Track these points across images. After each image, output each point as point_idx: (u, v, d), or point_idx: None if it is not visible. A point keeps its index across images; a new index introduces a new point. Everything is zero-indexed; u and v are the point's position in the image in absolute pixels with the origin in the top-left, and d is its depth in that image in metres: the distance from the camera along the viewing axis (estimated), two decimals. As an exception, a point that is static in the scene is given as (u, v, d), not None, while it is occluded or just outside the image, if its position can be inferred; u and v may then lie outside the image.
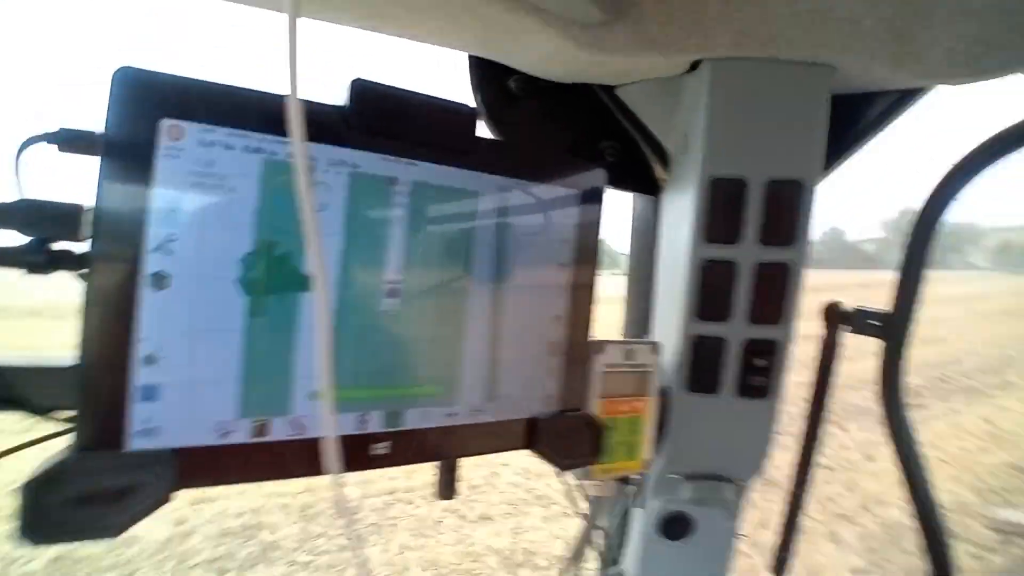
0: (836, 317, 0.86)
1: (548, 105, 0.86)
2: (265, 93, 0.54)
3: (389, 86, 0.59)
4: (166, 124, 0.50)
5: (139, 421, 0.50)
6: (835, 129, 0.84)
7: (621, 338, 0.85)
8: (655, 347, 0.80)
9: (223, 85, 0.52)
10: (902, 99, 0.86)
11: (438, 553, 4.53)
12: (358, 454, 0.60)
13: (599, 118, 0.89)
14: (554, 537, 4.54)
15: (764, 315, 0.80)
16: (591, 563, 0.98)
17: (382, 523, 4.91)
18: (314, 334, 0.57)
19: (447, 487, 0.72)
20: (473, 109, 0.62)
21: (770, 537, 0.93)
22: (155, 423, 0.51)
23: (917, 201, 0.81)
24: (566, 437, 0.70)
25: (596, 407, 0.75)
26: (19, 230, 0.50)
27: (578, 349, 0.71)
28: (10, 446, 0.57)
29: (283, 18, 0.42)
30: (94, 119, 0.49)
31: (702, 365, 0.82)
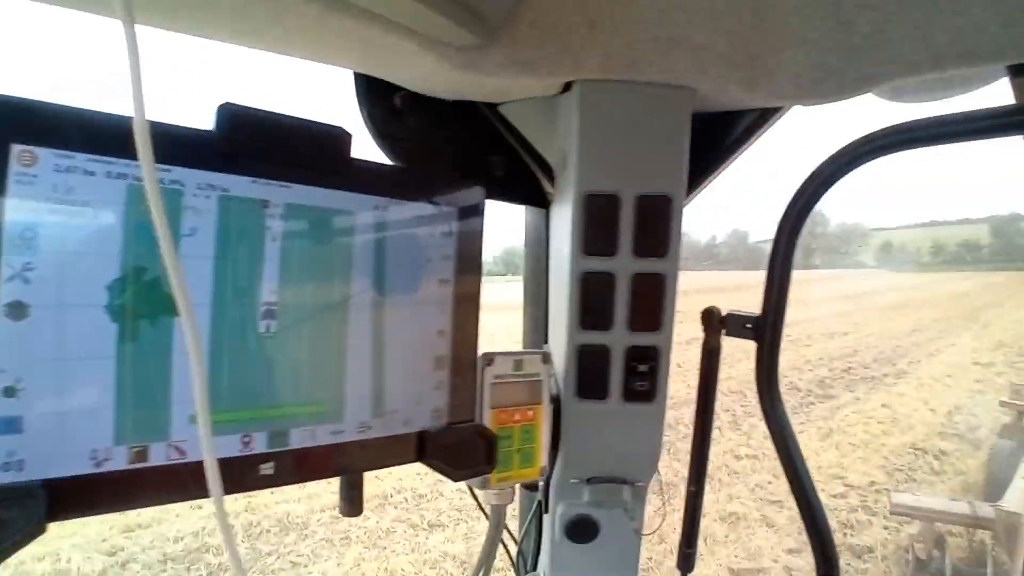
0: (714, 321, 0.92)
1: (435, 121, 0.88)
2: (126, 117, 0.53)
3: (259, 110, 0.60)
4: (16, 150, 0.48)
5: (0, 455, 0.48)
6: (704, 146, 0.91)
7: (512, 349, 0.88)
8: (545, 356, 0.84)
9: (80, 109, 0.50)
10: (763, 117, 0.93)
11: (395, 563, 4.50)
12: (243, 475, 0.59)
13: (486, 134, 0.92)
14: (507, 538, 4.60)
15: (643, 323, 0.85)
16: (504, 570, 1.00)
17: (333, 537, 4.85)
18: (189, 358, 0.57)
19: (351, 503, 0.72)
20: (345, 131, 0.64)
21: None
22: (19, 456, 0.49)
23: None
24: (457, 449, 0.72)
25: (488, 418, 0.78)
26: None
27: (465, 362, 0.73)
28: None
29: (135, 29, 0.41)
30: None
31: (589, 373, 0.86)
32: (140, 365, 0.54)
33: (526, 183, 0.96)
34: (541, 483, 0.93)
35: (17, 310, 0.49)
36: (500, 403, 0.79)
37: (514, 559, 1.06)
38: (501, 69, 0.75)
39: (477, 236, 0.74)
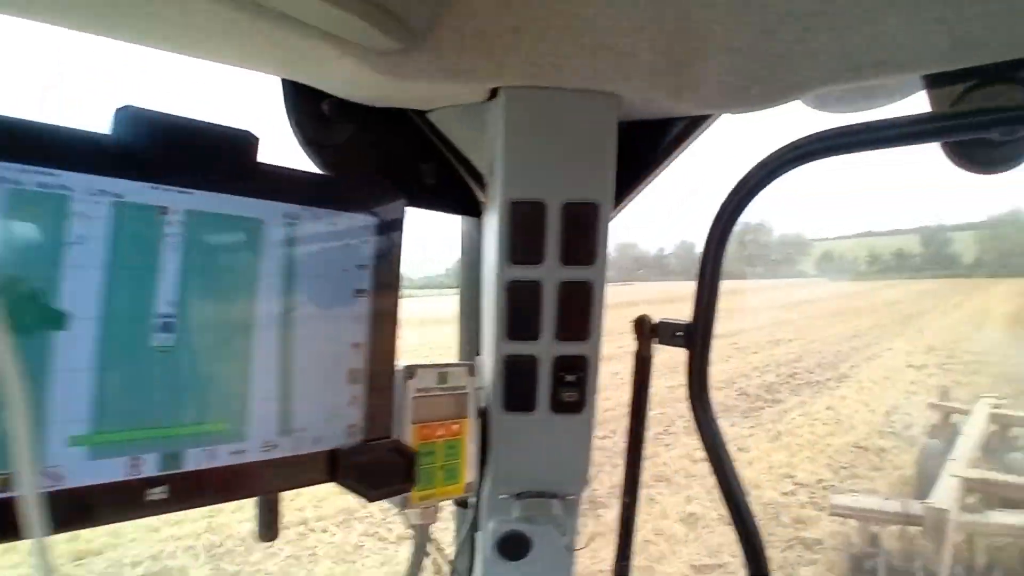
0: (645, 330, 0.92)
1: (363, 128, 0.86)
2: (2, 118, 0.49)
3: (159, 112, 0.56)
4: None
5: None
6: (633, 154, 0.90)
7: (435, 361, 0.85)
8: (471, 368, 0.81)
9: None
10: (692, 125, 0.94)
11: (367, 577, 4.38)
12: (131, 501, 0.55)
13: (417, 141, 0.90)
14: (478, 547, 4.64)
15: (571, 332, 0.83)
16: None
17: (301, 554, 4.75)
18: (72, 375, 0.52)
19: (267, 527, 0.68)
20: (251, 134, 0.60)
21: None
22: None
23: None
24: (372, 467, 0.69)
25: (409, 433, 0.75)
26: None
27: (382, 375, 0.71)
28: None
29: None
30: None
31: (516, 384, 0.84)
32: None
33: (458, 192, 0.94)
34: (472, 499, 0.91)
35: None
36: (422, 418, 0.76)
37: None
38: (426, 75, 0.73)
39: (396, 245, 0.71)
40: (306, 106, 0.82)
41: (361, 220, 0.68)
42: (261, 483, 0.63)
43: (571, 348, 0.84)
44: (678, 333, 0.89)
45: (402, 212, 0.71)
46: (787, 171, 0.79)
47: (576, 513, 0.94)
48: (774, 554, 4.93)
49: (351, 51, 0.68)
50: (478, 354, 0.99)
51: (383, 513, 5.38)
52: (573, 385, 0.85)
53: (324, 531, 5.06)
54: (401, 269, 0.71)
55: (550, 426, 0.86)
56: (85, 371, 0.53)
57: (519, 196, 0.81)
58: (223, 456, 0.60)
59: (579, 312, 0.83)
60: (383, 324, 0.70)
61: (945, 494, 4.32)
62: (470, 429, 0.82)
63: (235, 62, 0.73)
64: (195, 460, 0.59)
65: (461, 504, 0.91)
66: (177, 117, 0.57)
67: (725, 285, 0.89)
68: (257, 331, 0.62)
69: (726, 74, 0.78)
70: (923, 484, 5.17)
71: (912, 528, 4.30)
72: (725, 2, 0.74)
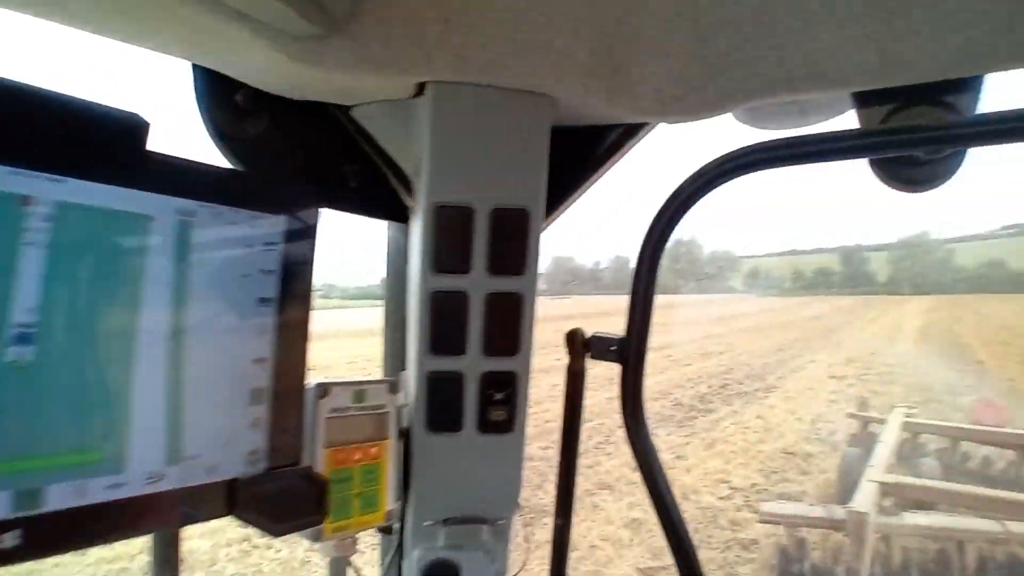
0: (578, 344, 0.88)
1: (282, 123, 0.79)
2: None
3: (29, 86, 0.48)
4: None
5: None
6: (566, 161, 0.87)
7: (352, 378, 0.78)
8: (392, 385, 0.75)
9: None
10: (628, 134, 0.91)
11: (314, 594, 4.19)
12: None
13: (339, 139, 0.83)
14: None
15: (500, 347, 0.78)
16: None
17: (245, 572, 4.59)
18: None
19: (164, 564, 0.60)
20: (140, 118, 0.53)
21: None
22: None
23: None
24: (278, 498, 0.61)
25: (321, 458, 0.68)
26: None
27: (290, 394, 0.63)
28: None
29: None
30: None
31: (441, 402, 0.78)
32: None
33: (384, 195, 0.88)
34: (396, 525, 0.84)
35: None
36: (337, 441, 0.69)
37: None
38: (347, 65, 0.67)
39: (309, 250, 0.65)
40: (218, 95, 0.74)
41: (269, 221, 0.61)
42: (144, 521, 0.55)
43: (499, 364, 0.79)
44: (612, 347, 0.86)
45: (317, 214, 0.65)
46: (720, 184, 0.78)
47: (507, 538, 0.89)
48: (714, 555, 5.28)
49: (265, 34, 0.62)
50: (404, 369, 0.93)
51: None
52: (502, 403, 0.80)
53: (269, 547, 4.84)
54: (314, 276, 0.65)
55: (478, 447, 0.81)
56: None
57: (445, 200, 0.75)
58: (96, 491, 0.51)
59: (508, 325, 0.79)
60: (292, 337, 0.63)
61: (865, 498, 4.54)
62: (391, 452, 0.75)
63: (139, 42, 0.66)
64: (59, 498, 0.50)
65: (385, 530, 0.85)
66: (49, 91, 0.49)
67: (660, 299, 0.87)
68: (141, 344, 0.54)
69: (662, 80, 0.76)
70: (845, 490, 5.44)
71: (835, 531, 4.49)
72: (661, 6, 0.72)
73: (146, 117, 0.54)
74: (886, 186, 0.78)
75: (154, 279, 0.54)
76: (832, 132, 0.72)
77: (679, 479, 6.90)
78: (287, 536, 0.64)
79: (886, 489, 4.81)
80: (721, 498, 6.55)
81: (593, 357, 0.88)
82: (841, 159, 0.72)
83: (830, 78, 0.70)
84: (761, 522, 4.91)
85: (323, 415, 0.68)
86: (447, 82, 0.73)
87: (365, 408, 0.72)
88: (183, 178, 0.56)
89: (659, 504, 0.86)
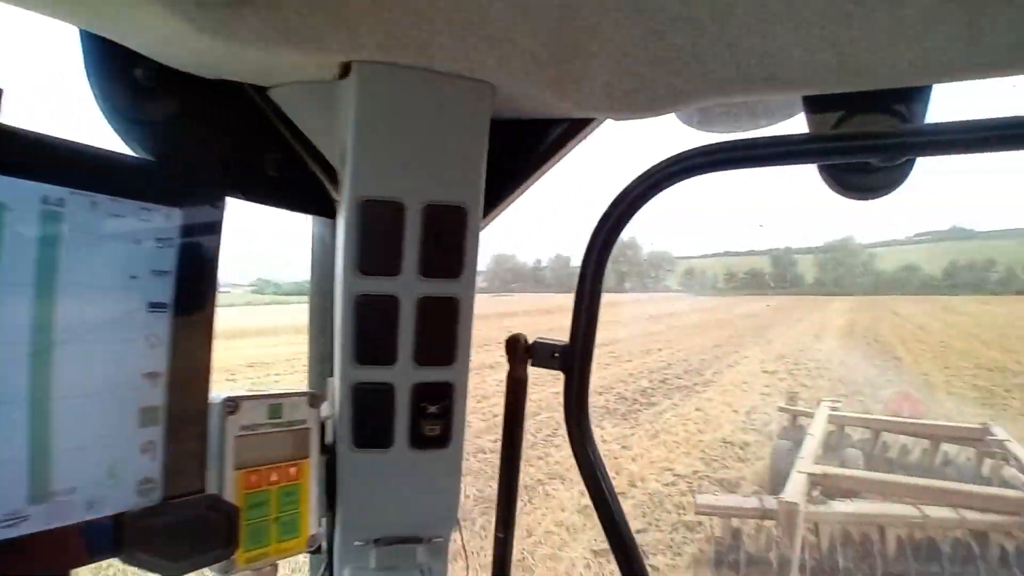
0: (519, 350, 0.84)
1: (192, 104, 0.69)
2: None
3: None
4: None
5: None
6: (507, 155, 0.81)
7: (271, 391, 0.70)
8: (312, 398, 0.67)
9: None
10: (573, 129, 0.87)
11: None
12: None
13: (256, 124, 0.75)
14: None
15: (433, 356, 0.72)
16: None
17: None
18: None
19: None
20: None
21: None
22: None
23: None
24: (176, 532, 0.53)
25: (231, 482, 0.60)
26: None
27: (190, 413, 0.55)
28: None
29: None
30: None
31: (368, 416, 0.71)
32: None
33: (307, 187, 0.79)
34: (325, 545, 0.77)
35: None
36: (250, 462, 0.61)
37: None
38: (261, 40, 0.59)
39: (212, 247, 0.56)
40: (114, 70, 0.64)
41: (162, 214, 0.53)
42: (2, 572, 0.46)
43: (434, 374, 0.73)
44: (555, 354, 0.81)
45: (222, 207, 0.57)
46: (669, 185, 0.75)
47: (444, 557, 0.83)
48: (663, 536, 5.73)
49: (165, 1, 0.53)
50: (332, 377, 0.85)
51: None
52: (437, 416, 0.73)
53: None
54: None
55: (410, 464, 0.74)
56: None
57: (372, 194, 0.68)
58: (-68, 539, 0.42)
59: (443, 332, 0.72)
60: (191, 347, 0.55)
61: (795, 489, 4.75)
62: (313, 471, 0.68)
63: (31, 6, 0.56)
64: None
65: (314, 551, 0.77)
66: None
67: (604, 298, 0.83)
68: (-4, 358, 0.45)
69: (611, 74, 0.72)
70: (776, 481, 5.69)
71: (767, 521, 4.72)
72: None
73: None
74: (834, 192, 0.77)
75: (10, 281, 0.45)
76: (787, 136, 0.70)
77: (626, 468, 7.35)
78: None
79: (814, 479, 5.04)
80: (666, 484, 6.95)
81: (535, 364, 0.83)
82: (793, 163, 0.70)
83: (785, 79, 0.67)
84: (697, 514, 5.17)
85: (232, 434, 0.59)
86: (375, 62, 0.65)
87: (282, 424, 0.64)
88: (49, 160, 0.47)
89: (603, 511, 0.83)
